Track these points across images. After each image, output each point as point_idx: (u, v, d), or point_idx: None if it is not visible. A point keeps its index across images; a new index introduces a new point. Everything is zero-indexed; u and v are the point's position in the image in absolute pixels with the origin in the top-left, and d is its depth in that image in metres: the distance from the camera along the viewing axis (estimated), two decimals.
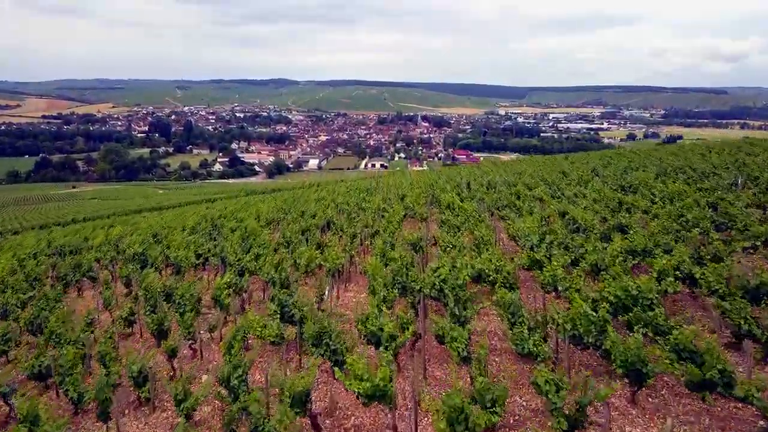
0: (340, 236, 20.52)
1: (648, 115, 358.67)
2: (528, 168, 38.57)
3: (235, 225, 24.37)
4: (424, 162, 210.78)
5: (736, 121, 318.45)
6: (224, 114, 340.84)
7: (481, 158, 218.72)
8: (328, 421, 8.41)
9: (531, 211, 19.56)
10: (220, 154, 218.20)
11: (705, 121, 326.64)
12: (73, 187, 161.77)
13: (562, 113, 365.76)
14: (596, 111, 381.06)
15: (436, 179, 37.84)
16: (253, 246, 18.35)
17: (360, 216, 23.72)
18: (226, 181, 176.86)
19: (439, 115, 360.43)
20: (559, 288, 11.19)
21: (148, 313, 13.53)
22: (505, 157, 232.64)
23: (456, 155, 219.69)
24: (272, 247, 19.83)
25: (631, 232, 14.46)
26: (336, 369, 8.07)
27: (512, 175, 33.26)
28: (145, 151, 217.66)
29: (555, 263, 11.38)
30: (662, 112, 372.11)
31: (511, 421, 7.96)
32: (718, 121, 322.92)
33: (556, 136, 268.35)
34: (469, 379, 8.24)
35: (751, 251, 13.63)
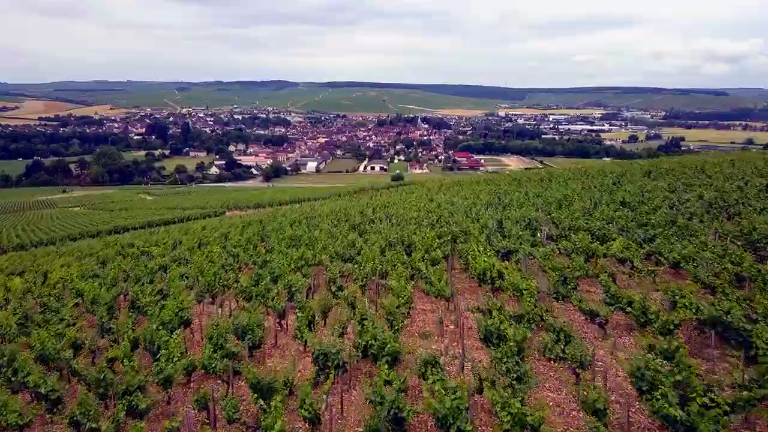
0: (304, 350, 11.58)
1: (648, 116, 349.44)
2: (566, 190, 29.50)
3: (156, 299, 15.42)
4: (425, 165, 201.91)
5: (737, 123, 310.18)
6: (223, 116, 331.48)
7: (482, 160, 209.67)
8: None
9: (644, 312, 10.52)
10: (217, 156, 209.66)
11: (706, 122, 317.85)
12: (63, 192, 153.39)
13: (562, 115, 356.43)
14: (596, 112, 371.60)
15: (449, 206, 28.74)
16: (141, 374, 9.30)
17: (344, 290, 14.78)
18: (222, 185, 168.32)
19: (439, 116, 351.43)
20: None
21: None
22: (505, 159, 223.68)
23: (457, 157, 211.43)
24: (186, 361, 10.83)
25: None
26: None
27: (556, 207, 24.17)
28: (141, 154, 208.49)
29: None
30: (663, 113, 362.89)
31: None
32: (720, 122, 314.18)
33: (557, 137, 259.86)
34: None
35: None
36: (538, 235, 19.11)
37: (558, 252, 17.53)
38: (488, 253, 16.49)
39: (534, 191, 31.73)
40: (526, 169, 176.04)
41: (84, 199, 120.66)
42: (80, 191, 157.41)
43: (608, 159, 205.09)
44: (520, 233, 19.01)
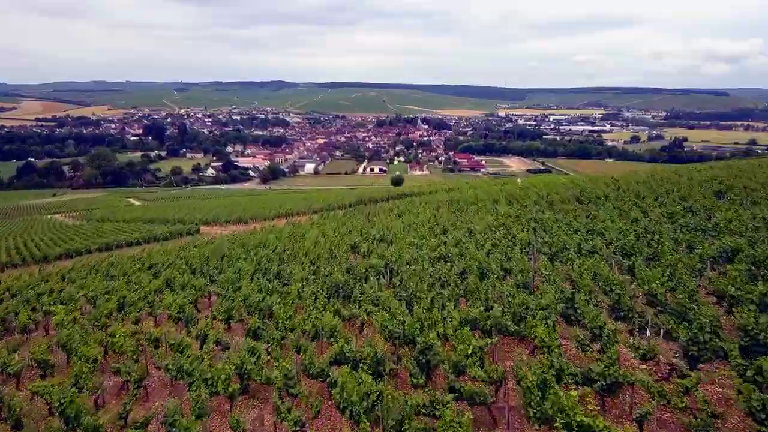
0: None
1: (650, 116, 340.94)
2: (626, 221, 21.31)
3: None
4: (425, 166, 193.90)
5: (739, 123, 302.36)
6: (221, 116, 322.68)
7: (483, 161, 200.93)
8: None
9: None
10: (214, 158, 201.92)
11: (708, 123, 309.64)
12: (54, 195, 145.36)
13: (563, 115, 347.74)
14: (597, 113, 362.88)
15: (470, 247, 20.53)
16: None
17: None
18: (218, 187, 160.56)
19: (439, 117, 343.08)
20: None
21: None
22: (507, 160, 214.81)
23: (458, 158, 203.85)
24: None
25: None
26: None
27: (635, 256, 16.01)
28: (137, 155, 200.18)
29: None
30: (663, 113, 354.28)
31: None
32: (721, 123, 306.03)
33: (558, 138, 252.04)
34: None
35: None
36: (647, 332, 10.94)
37: (686, 366, 9.46)
38: (570, 385, 8.35)
39: (579, 221, 23.51)
40: (528, 170, 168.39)
41: (70, 204, 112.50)
42: (71, 194, 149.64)
43: (610, 160, 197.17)
44: (612, 327, 10.87)
